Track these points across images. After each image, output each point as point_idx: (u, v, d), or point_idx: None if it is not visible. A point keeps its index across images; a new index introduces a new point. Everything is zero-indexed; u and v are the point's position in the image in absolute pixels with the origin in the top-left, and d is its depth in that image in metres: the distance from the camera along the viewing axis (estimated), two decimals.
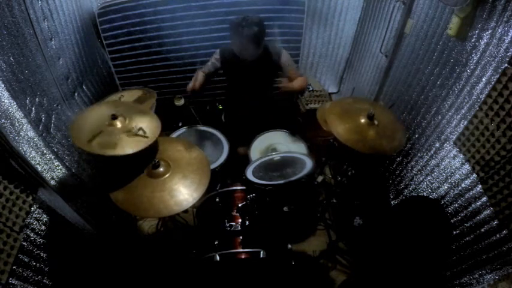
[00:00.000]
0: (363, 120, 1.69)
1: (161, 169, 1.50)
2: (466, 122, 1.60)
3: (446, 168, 1.80)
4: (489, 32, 1.46)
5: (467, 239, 1.61)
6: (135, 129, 1.46)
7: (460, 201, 1.68)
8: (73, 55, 2.17)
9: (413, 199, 2.11)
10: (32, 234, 1.46)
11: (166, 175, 1.50)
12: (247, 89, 2.18)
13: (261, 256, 1.67)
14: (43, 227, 1.55)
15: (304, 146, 2.17)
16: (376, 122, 1.69)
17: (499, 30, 1.40)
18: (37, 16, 1.76)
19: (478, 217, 1.54)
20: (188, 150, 1.67)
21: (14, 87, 1.51)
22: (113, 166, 1.56)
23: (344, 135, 1.63)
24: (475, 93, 1.57)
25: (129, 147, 1.41)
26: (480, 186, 1.52)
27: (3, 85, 1.43)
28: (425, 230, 1.80)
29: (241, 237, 1.80)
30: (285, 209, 2.29)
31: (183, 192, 1.46)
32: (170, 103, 2.71)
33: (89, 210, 1.98)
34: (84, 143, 1.39)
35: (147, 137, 1.45)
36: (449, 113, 1.76)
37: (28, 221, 1.43)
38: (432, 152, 1.91)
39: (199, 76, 2.11)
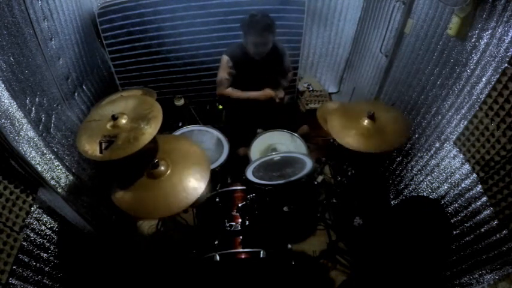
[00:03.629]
0: (365, 122, 1.70)
1: (162, 168, 1.50)
2: (466, 122, 1.60)
3: (446, 168, 1.80)
4: (489, 32, 1.46)
5: (467, 239, 1.61)
6: (103, 139, 1.39)
7: (460, 201, 1.68)
8: (73, 55, 2.17)
9: (413, 199, 2.11)
10: (32, 234, 1.46)
11: (168, 172, 1.50)
12: (252, 88, 2.18)
13: (261, 256, 1.67)
14: (43, 227, 1.55)
15: (304, 146, 2.17)
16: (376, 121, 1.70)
17: (499, 30, 1.40)
18: (37, 16, 1.76)
19: (478, 217, 1.54)
20: (183, 144, 1.66)
21: (14, 87, 1.51)
22: (113, 165, 1.55)
23: (355, 144, 1.64)
24: (475, 93, 1.57)
25: (88, 146, 1.38)
26: (480, 186, 1.52)
27: (3, 85, 1.43)
28: (425, 230, 1.80)
29: (241, 237, 1.79)
30: (285, 209, 2.29)
31: (191, 181, 1.47)
32: (170, 103, 2.72)
33: (89, 210, 1.98)
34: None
35: (99, 155, 1.37)
36: (449, 113, 1.76)
37: (28, 221, 1.43)
38: (432, 152, 1.91)
39: (237, 92, 2.14)
